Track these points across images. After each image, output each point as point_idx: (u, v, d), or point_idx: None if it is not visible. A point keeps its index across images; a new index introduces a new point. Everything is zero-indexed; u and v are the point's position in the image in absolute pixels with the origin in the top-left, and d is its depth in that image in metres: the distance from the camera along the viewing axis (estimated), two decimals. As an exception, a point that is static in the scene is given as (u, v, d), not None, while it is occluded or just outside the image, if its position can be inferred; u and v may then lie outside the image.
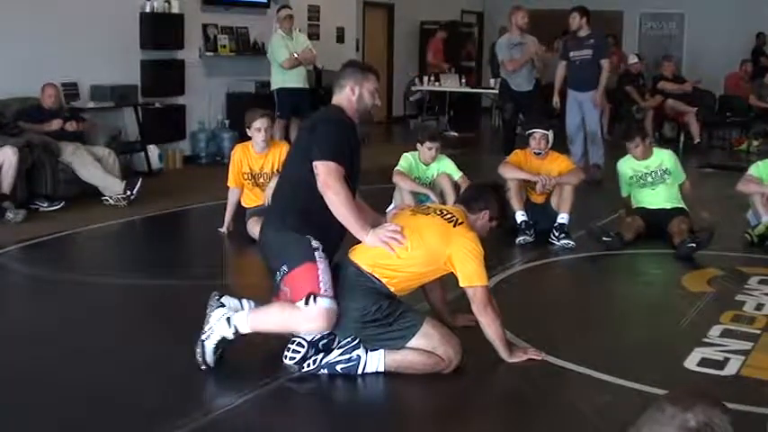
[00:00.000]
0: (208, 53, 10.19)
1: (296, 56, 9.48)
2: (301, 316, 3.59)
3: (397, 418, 3.57)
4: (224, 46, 10.37)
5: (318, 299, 3.56)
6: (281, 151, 6.17)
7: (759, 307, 4.77)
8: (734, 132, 12.71)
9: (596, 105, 9.03)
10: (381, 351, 3.66)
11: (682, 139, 12.05)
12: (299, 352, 3.67)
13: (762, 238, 6.21)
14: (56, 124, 7.67)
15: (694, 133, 11.94)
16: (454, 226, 3.79)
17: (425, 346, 3.65)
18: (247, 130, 6.35)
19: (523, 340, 4.06)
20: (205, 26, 10.17)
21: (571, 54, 9.01)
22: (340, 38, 12.81)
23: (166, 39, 9.55)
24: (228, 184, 6.47)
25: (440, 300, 4.20)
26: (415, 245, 3.72)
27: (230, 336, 3.69)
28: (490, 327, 3.77)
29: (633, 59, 12.79)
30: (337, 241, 3.85)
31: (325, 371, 3.68)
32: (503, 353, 3.80)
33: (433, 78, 14.02)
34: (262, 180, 6.34)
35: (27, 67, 7.97)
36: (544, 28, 9.80)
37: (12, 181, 6.94)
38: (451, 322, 4.11)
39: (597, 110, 9.09)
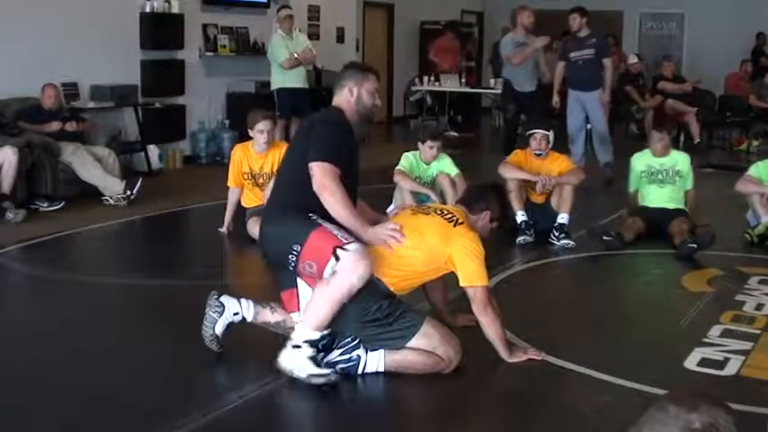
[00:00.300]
0: (208, 53, 10.19)
1: (296, 56, 9.47)
2: (343, 274, 3.49)
3: (397, 418, 3.57)
4: (224, 46, 10.37)
5: (345, 248, 3.50)
6: (281, 151, 6.14)
7: (759, 307, 4.77)
8: (734, 132, 12.70)
9: (603, 104, 9.02)
10: (381, 351, 3.66)
11: (682, 139, 12.04)
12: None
13: (762, 238, 6.21)
14: (55, 126, 7.67)
15: (694, 133, 11.93)
16: (455, 226, 3.79)
17: (425, 346, 3.64)
18: (250, 130, 6.36)
19: (523, 340, 4.06)
20: (205, 26, 10.17)
21: (571, 54, 8.99)
22: (340, 38, 12.81)
23: (166, 39, 9.55)
24: (228, 184, 6.47)
25: (441, 300, 4.20)
26: (415, 244, 3.72)
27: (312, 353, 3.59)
28: (490, 327, 3.77)
29: (633, 59, 12.80)
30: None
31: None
32: (503, 353, 3.80)
33: (433, 78, 14.00)
34: (262, 180, 6.34)
35: (27, 67, 7.96)
36: (546, 29, 9.78)
37: (12, 181, 6.94)
38: (452, 322, 4.11)
39: (603, 109, 9.08)
